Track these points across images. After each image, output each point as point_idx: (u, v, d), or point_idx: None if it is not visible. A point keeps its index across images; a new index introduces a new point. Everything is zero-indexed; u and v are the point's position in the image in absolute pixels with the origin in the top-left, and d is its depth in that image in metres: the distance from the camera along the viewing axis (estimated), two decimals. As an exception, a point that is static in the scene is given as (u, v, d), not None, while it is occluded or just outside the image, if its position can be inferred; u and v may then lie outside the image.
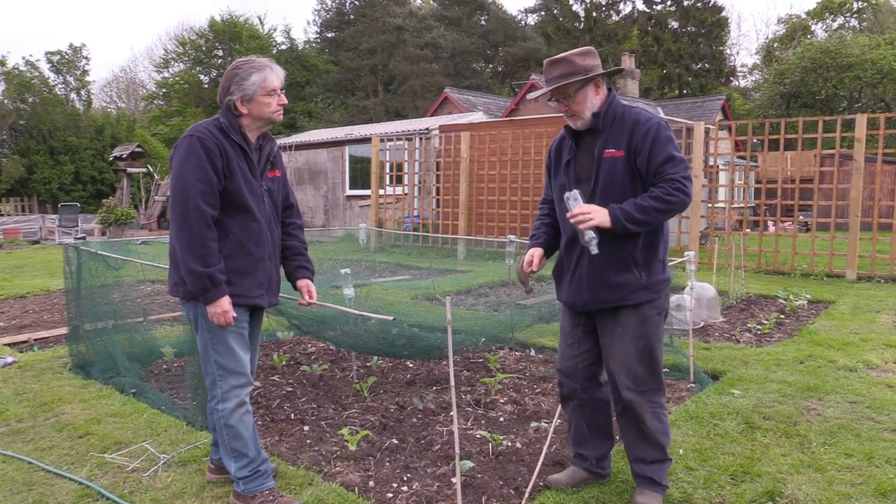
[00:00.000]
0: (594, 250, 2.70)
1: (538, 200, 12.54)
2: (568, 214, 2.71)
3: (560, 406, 3.22)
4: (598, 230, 2.67)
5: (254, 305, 2.95)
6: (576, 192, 2.74)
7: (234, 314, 2.80)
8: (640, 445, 2.93)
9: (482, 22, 43.62)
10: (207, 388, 2.95)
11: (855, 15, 42.51)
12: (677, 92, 40.65)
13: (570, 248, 2.93)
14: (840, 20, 42.85)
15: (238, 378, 2.89)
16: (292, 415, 4.12)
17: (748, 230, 14.94)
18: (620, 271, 2.79)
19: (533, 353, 5.65)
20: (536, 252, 2.99)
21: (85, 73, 30.73)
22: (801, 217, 15.65)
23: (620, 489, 3.10)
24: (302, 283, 3.15)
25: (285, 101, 2.91)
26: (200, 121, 2.90)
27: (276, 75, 2.85)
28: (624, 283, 2.79)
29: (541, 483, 3.13)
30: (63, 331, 6.34)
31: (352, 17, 44.33)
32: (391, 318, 3.16)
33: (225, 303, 2.76)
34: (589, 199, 2.78)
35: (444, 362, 5.17)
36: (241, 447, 2.90)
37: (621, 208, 2.68)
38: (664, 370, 4.80)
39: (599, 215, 2.66)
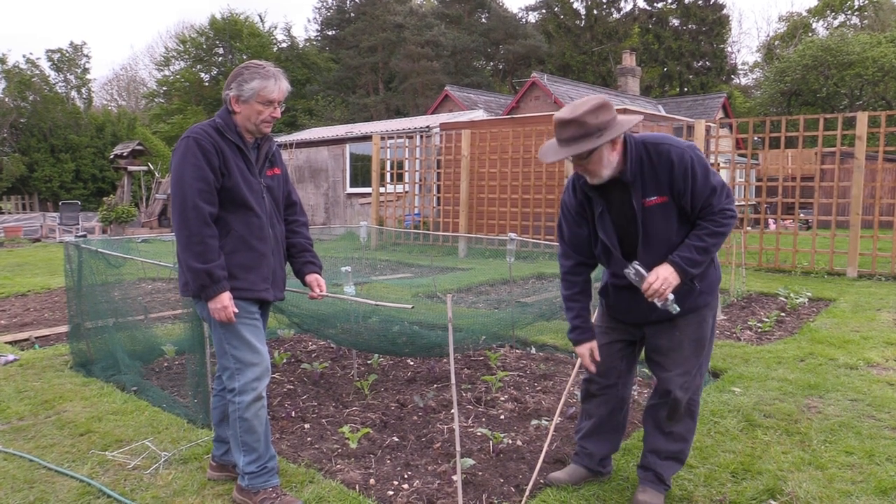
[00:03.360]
0: (676, 309, 2.67)
1: (538, 198, 12.65)
2: (646, 295, 2.65)
3: (581, 401, 3.20)
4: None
5: (260, 299, 2.97)
6: (636, 266, 2.68)
7: (236, 309, 2.82)
8: (662, 438, 2.93)
9: (483, 20, 43.56)
10: (224, 381, 2.96)
11: (856, 12, 42.44)
12: (678, 90, 40.60)
13: (620, 288, 2.88)
14: (841, 18, 42.79)
15: (255, 370, 2.90)
16: (293, 412, 4.13)
17: (749, 228, 14.93)
18: (679, 288, 2.74)
19: (534, 350, 5.65)
20: (593, 346, 2.93)
21: (85, 71, 30.67)
22: (801, 215, 15.64)
23: (621, 487, 3.10)
24: (311, 277, 3.18)
25: (278, 114, 2.93)
26: (199, 122, 2.93)
27: (277, 88, 2.87)
28: (682, 297, 2.77)
29: (541, 481, 3.14)
30: (64, 329, 6.35)
31: (352, 14, 44.28)
32: (410, 306, 3.17)
33: (225, 298, 2.78)
34: (641, 249, 2.72)
35: (445, 360, 5.17)
36: (252, 441, 2.92)
37: (682, 257, 2.64)
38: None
39: (671, 280, 2.63)
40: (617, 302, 2.95)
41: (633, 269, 2.68)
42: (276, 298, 3.06)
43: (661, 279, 2.62)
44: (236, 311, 2.83)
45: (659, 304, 2.66)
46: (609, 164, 2.65)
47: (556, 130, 2.65)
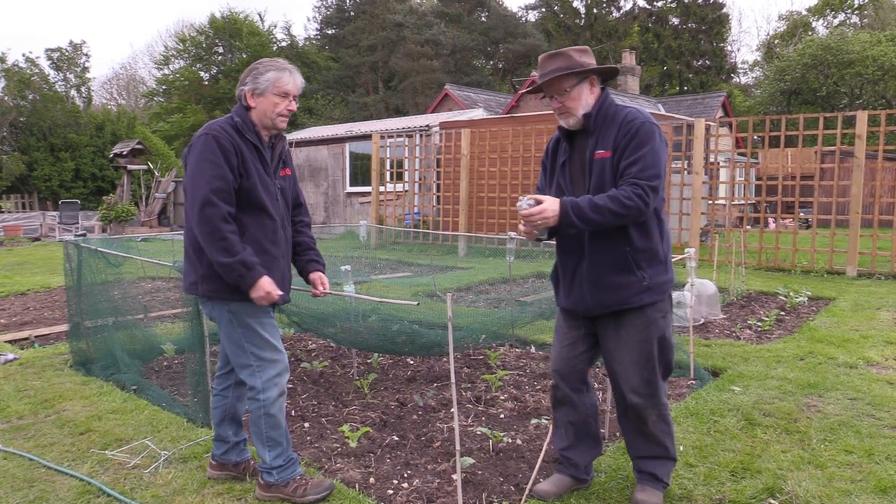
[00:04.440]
0: (543, 237, 2.71)
1: (538, 197, 12.69)
2: (523, 213, 2.64)
3: (552, 408, 3.15)
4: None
5: (272, 303, 2.96)
6: (524, 197, 2.68)
7: (279, 291, 2.84)
8: (643, 446, 2.90)
9: (482, 18, 43.52)
10: (245, 379, 2.94)
11: (856, 11, 42.44)
12: (678, 88, 40.60)
13: (568, 254, 2.88)
14: (841, 16, 42.79)
15: (277, 366, 2.92)
16: (293, 411, 4.13)
17: (749, 227, 14.94)
18: (621, 273, 2.73)
19: (533, 349, 5.65)
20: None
21: (85, 69, 30.54)
22: (801, 214, 15.63)
23: (621, 486, 3.10)
24: (314, 275, 3.19)
25: (294, 107, 2.91)
26: (215, 119, 2.89)
27: (293, 80, 2.87)
28: (626, 286, 2.73)
29: (539, 480, 3.13)
30: (64, 328, 6.35)
31: (352, 13, 44.24)
32: (415, 303, 3.16)
33: (266, 283, 2.78)
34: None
35: (445, 359, 5.18)
36: (277, 436, 2.94)
37: (574, 202, 2.61)
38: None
39: (548, 213, 2.60)
40: (559, 278, 2.95)
41: (523, 201, 2.67)
42: (284, 301, 3.06)
43: (540, 209, 2.60)
44: (280, 293, 2.84)
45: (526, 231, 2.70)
46: (586, 104, 2.77)
47: (542, 66, 2.79)
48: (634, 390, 2.80)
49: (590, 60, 2.77)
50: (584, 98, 2.76)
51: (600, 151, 2.72)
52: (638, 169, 2.62)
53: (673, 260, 5.10)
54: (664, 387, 2.89)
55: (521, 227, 2.73)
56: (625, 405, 2.87)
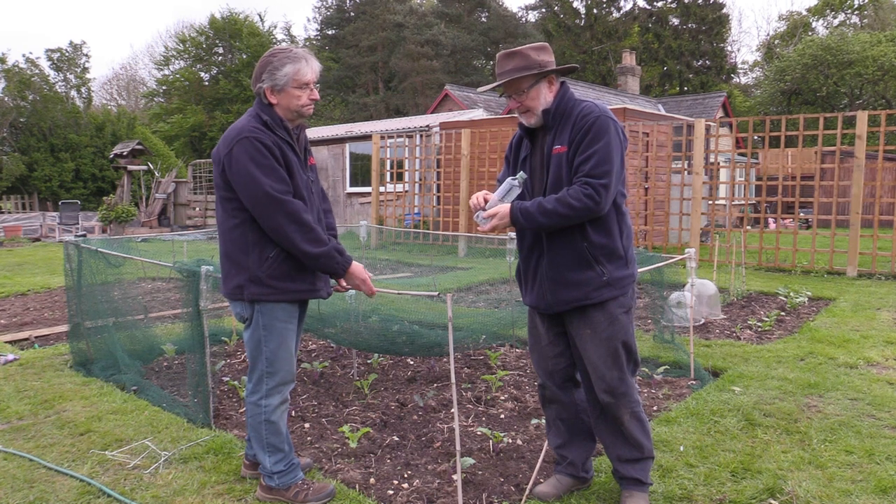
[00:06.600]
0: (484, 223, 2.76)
1: (539, 197, 12.70)
2: (480, 228, 2.71)
3: (542, 407, 3.16)
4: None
5: (317, 298, 2.99)
6: (480, 212, 2.73)
7: (371, 275, 2.92)
8: (622, 447, 2.88)
9: (483, 19, 43.55)
10: (251, 384, 2.95)
11: (856, 11, 42.44)
12: (678, 89, 40.59)
13: (528, 251, 2.88)
14: (841, 17, 42.79)
15: (284, 375, 2.93)
16: (293, 412, 4.13)
17: (749, 227, 14.93)
18: (581, 269, 2.71)
19: (533, 350, 5.64)
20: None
21: (85, 70, 30.55)
22: (801, 214, 15.63)
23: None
24: None
25: (317, 95, 2.87)
26: (241, 121, 2.80)
27: (310, 68, 2.81)
28: (586, 281, 2.72)
29: (540, 480, 3.13)
30: (64, 328, 6.35)
31: (352, 14, 44.27)
32: (436, 293, 3.15)
33: (359, 270, 2.88)
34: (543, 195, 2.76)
35: (445, 359, 5.17)
36: (278, 443, 2.95)
37: (523, 208, 2.64)
38: (665, 367, 4.81)
39: (496, 216, 2.67)
40: (520, 274, 2.98)
41: (478, 215, 2.73)
42: (328, 294, 3.06)
43: (491, 226, 2.69)
44: (371, 275, 2.89)
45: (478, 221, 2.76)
46: (545, 102, 2.76)
47: (499, 65, 2.76)
48: (606, 390, 2.78)
49: (547, 58, 2.74)
50: (543, 96, 2.75)
51: (557, 147, 2.72)
52: (590, 166, 2.60)
53: (673, 260, 5.11)
54: (635, 384, 2.88)
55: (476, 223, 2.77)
56: (599, 407, 2.87)
